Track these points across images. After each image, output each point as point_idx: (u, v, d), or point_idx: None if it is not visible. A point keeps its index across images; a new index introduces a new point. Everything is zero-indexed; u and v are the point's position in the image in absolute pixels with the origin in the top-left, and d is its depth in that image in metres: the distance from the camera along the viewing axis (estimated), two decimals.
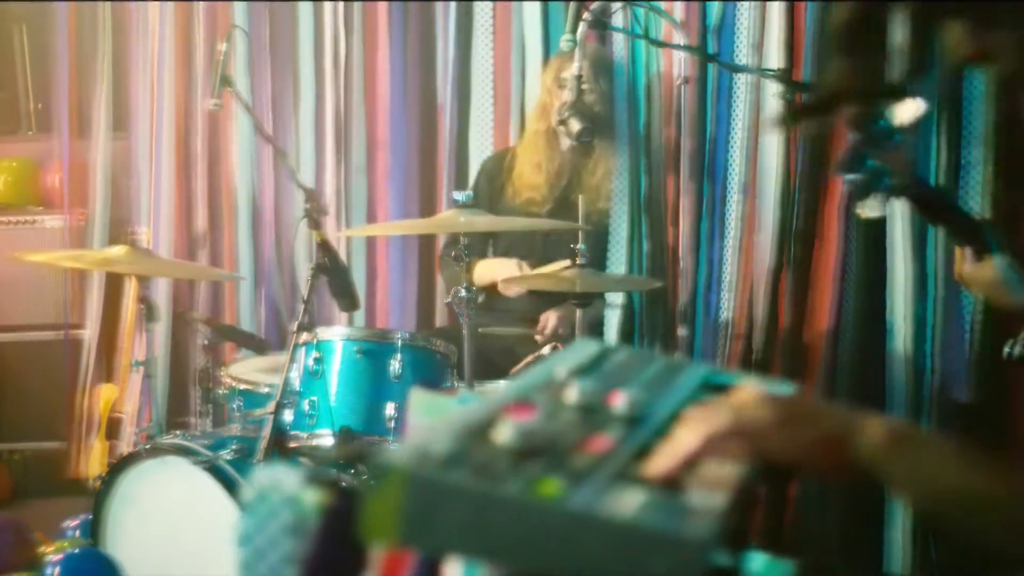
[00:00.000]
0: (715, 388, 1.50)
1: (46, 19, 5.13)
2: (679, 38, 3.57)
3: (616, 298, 4.06)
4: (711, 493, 1.09)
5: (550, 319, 3.85)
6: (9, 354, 5.03)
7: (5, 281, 4.95)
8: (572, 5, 3.19)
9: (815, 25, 3.61)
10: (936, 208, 2.16)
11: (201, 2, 4.68)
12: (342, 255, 4.50)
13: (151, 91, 4.77)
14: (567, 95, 3.47)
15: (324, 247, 3.09)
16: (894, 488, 1.21)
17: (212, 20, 4.67)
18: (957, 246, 2.25)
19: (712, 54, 3.70)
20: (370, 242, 4.51)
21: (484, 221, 3.23)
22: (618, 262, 4.05)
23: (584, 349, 1.53)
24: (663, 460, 1.14)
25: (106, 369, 4.91)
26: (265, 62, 4.62)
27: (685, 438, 1.18)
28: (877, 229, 3.51)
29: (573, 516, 0.99)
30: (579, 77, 3.33)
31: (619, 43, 4.07)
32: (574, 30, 3.20)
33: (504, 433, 1.13)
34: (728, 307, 3.90)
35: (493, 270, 3.96)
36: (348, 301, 3.18)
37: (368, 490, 1.04)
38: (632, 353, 1.58)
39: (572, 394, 1.31)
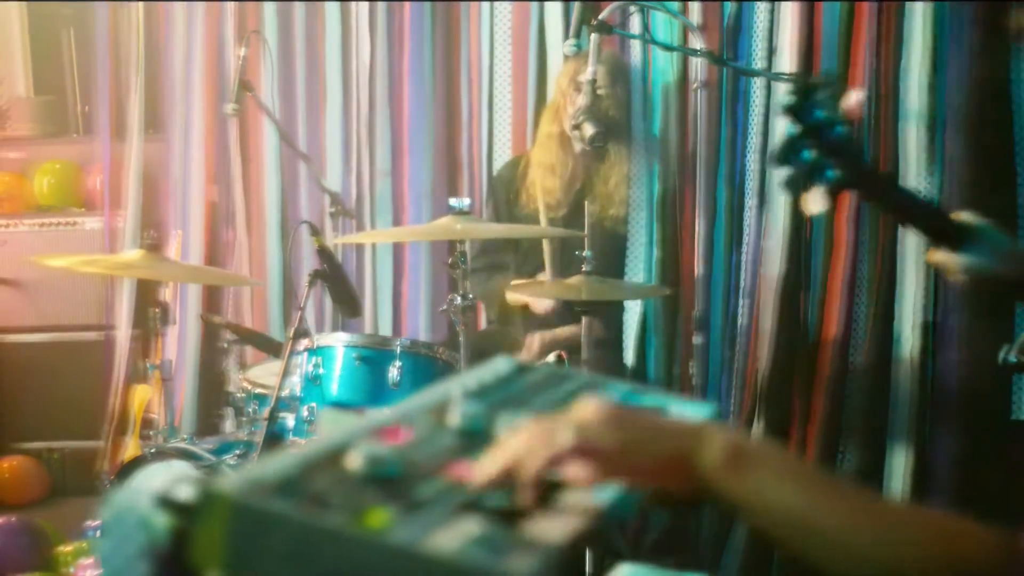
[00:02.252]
0: None
1: (93, 22, 5.19)
2: (696, 41, 3.52)
3: (635, 305, 4.02)
4: (555, 524, 1.06)
5: (533, 343, 3.83)
6: (50, 354, 5.10)
7: (47, 282, 5.02)
8: (576, 9, 3.16)
9: (833, 26, 3.53)
10: (890, 200, 2.10)
11: (230, 2, 4.70)
12: (368, 262, 4.53)
13: (182, 94, 4.81)
14: (581, 99, 3.43)
15: (323, 253, 3.08)
16: (733, 506, 1.11)
17: (242, 23, 4.69)
18: (919, 236, 2.17)
19: (723, 58, 3.63)
20: (397, 248, 4.51)
21: (481, 229, 3.20)
22: (636, 269, 4.01)
23: (497, 368, 1.50)
24: (484, 468, 1.11)
25: (143, 370, 4.95)
26: (294, 65, 4.64)
27: (513, 446, 1.14)
28: (888, 236, 3.42)
29: (393, 550, 0.97)
30: (593, 81, 3.29)
31: (636, 47, 4.02)
32: (577, 34, 3.16)
33: (354, 459, 1.11)
34: (745, 314, 3.84)
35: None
36: (349, 308, 3.18)
37: (196, 517, 1.02)
38: (551, 373, 1.55)
39: (454, 417, 1.28)
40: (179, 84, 4.82)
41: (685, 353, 3.83)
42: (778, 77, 3.53)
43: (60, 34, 5.76)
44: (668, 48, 3.76)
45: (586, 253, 3.25)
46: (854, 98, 1.98)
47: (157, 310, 3.59)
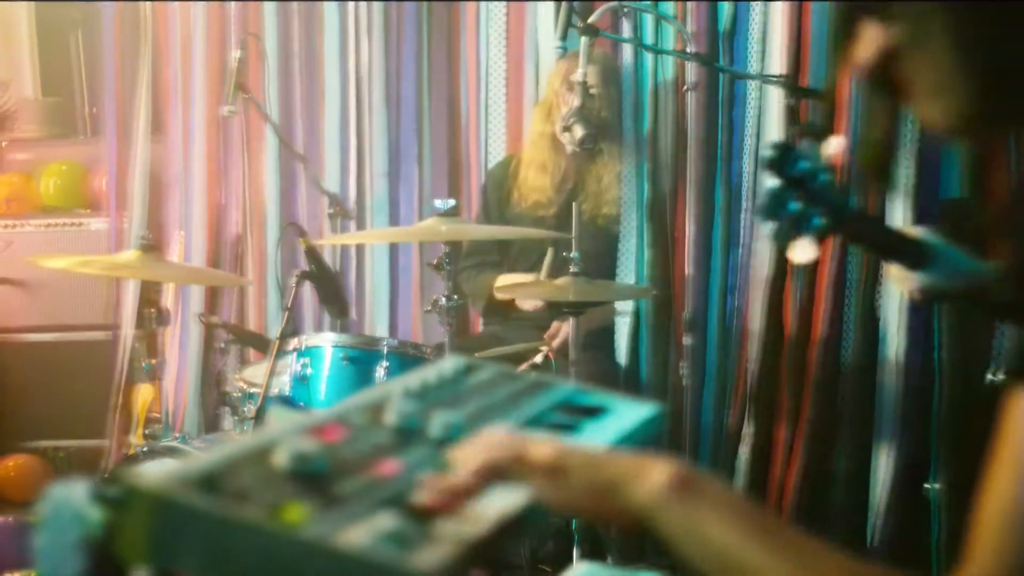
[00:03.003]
0: (576, 410, 1.49)
1: (101, 23, 5.24)
2: (687, 43, 3.54)
3: (626, 306, 4.04)
4: (470, 521, 1.09)
5: (562, 329, 3.84)
6: (55, 353, 5.14)
7: (52, 282, 5.05)
8: (562, 10, 3.18)
9: (822, 27, 3.55)
10: (875, 241, 2.12)
11: (233, 2, 4.73)
12: (368, 263, 4.55)
13: (185, 96, 4.85)
14: (573, 100, 3.45)
15: (311, 254, 3.11)
16: (668, 538, 1.10)
17: (243, 25, 4.72)
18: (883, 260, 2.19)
19: (710, 59, 3.65)
20: (393, 249, 4.53)
21: (465, 230, 3.23)
22: (627, 271, 4.02)
23: (442, 368, 1.53)
24: (429, 492, 1.13)
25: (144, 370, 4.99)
26: (292, 67, 4.68)
27: (462, 467, 1.17)
28: None
29: (303, 544, 1.00)
30: (584, 82, 3.31)
31: (627, 47, 4.03)
32: (564, 36, 3.19)
33: (280, 455, 1.14)
34: (736, 315, 3.86)
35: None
36: (337, 308, 3.21)
37: (119, 511, 1.05)
38: (498, 373, 1.57)
39: (390, 416, 1.31)
40: (182, 85, 4.86)
41: (677, 354, 3.85)
42: (769, 79, 3.55)
43: (68, 36, 5.81)
44: (657, 51, 3.78)
45: (573, 254, 3.28)
46: (835, 145, 2.00)
47: (153, 311, 3.63)
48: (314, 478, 1.12)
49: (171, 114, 4.93)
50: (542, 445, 1.18)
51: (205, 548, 1.02)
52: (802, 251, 1.90)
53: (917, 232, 2.12)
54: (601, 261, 3.93)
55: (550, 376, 1.59)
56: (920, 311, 3.44)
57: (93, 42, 5.47)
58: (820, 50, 3.57)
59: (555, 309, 3.81)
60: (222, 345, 3.86)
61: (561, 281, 3.29)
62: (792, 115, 3.33)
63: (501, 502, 1.15)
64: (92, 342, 5.13)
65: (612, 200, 3.99)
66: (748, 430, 3.78)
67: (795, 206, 1.88)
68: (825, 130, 2.21)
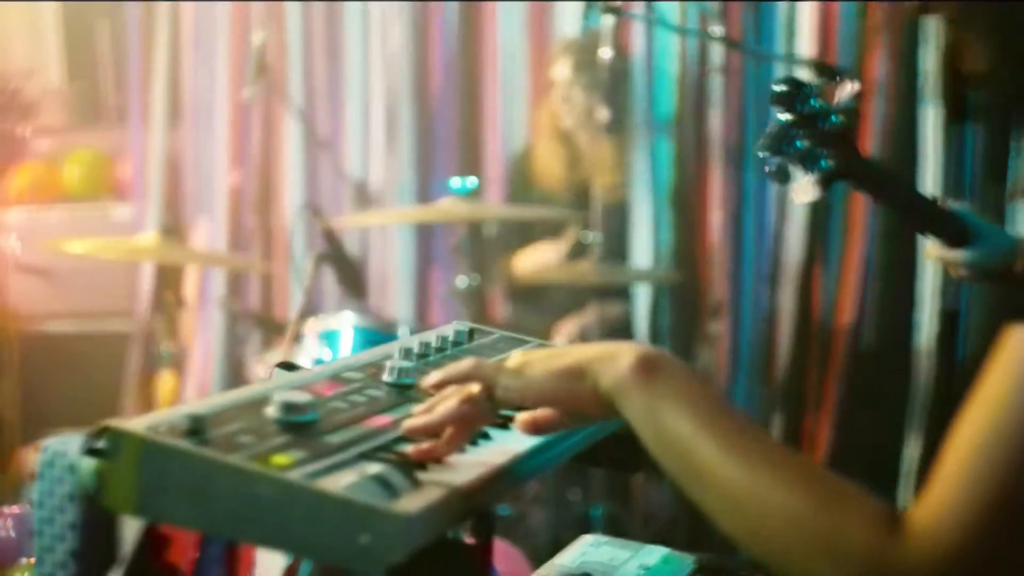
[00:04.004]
0: None
1: (127, 11, 5.25)
2: (713, 25, 3.53)
3: (645, 291, 4.01)
4: (456, 470, 1.08)
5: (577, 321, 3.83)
6: (78, 342, 5.15)
7: (75, 270, 5.06)
8: None
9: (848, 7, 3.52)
10: (890, 193, 2.08)
11: None
12: (390, 246, 4.55)
13: (208, 80, 4.87)
14: (591, 84, 3.44)
15: (328, 235, 3.12)
16: (631, 425, 1.07)
17: (266, 8, 4.71)
18: (920, 234, 2.16)
19: (736, 40, 3.63)
20: (415, 232, 4.52)
21: (483, 210, 3.22)
22: (641, 255, 3.99)
23: (445, 331, 1.52)
24: (412, 420, 1.14)
25: (165, 357, 5.00)
26: (316, 51, 4.67)
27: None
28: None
29: (288, 486, 0.99)
30: (607, 65, 3.31)
31: (651, 29, 4.00)
32: (587, 15, 3.18)
33: (273, 406, 1.14)
34: (764, 300, 3.84)
35: (531, 258, 3.95)
36: (353, 289, 3.21)
37: (110, 458, 1.05)
38: (502, 337, 1.57)
39: (386, 374, 1.31)
40: (204, 71, 4.88)
41: (701, 340, 3.83)
42: (795, 61, 3.52)
43: (94, 23, 5.83)
44: (681, 32, 3.75)
45: (592, 236, 3.27)
46: (848, 88, 1.97)
47: (172, 296, 3.64)
48: (303, 428, 1.11)
49: (193, 100, 4.94)
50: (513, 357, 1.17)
51: (191, 494, 1.01)
52: (803, 191, 1.88)
53: (959, 210, 2.09)
54: (619, 245, 3.90)
55: (556, 342, 1.58)
56: (952, 297, 3.40)
57: (119, 30, 5.48)
58: (848, 30, 3.54)
59: (580, 294, 3.80)
60: (244, 330, 3.87)
61: (582, 265, 3.27)
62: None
63: (489, 453, 1.14)
64: (114, 330, 5.14)
65: (621, 184, 3.96)
66: (778, 419, 3.75)
67: (802, 144, 1.86)
68: (842, 73, 2.18)
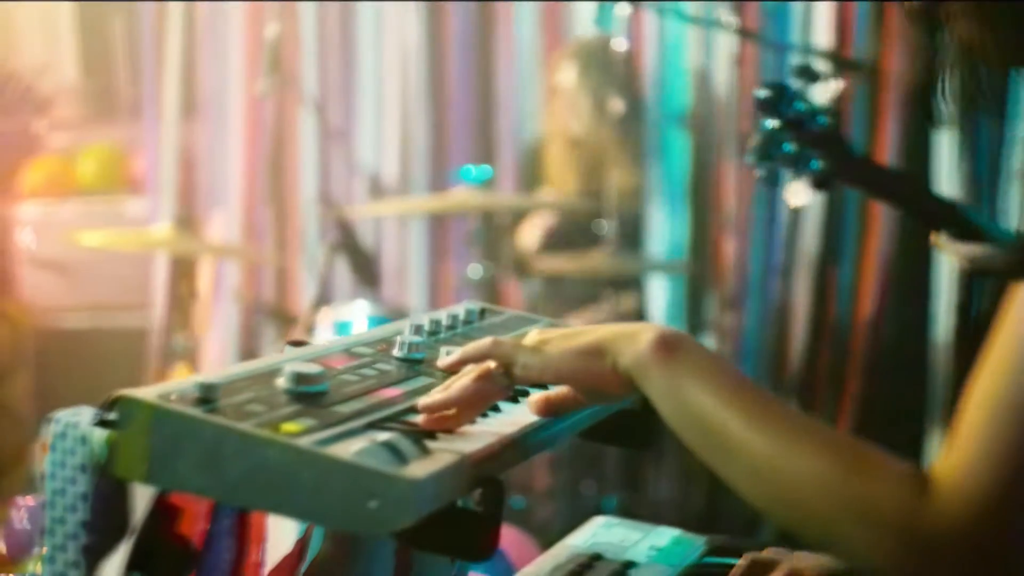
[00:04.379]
0: None
1: (142, 5, 5.27)
2: (728, 15, 3.52)
3: (659, 283, 4.02)
4: (467, 439, 1.09)
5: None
6: (94, 335, 5.17)
7: (89, 264, 5.08)
8: None
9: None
10: (888, 190, 2.08)
11: None
12: (404, 236, 4.55)
13: (222, 73, 4.88)
14: (607, 77, 3.45)
15: (342, 226, 3.12)
16: (654, 403, 1.08)
17: (281, 2, 4.72)
18: (927, 228, 2.15)
19: (752, 31, 3.62)
20: (433, 222, 4.53)
21: (495, 200, 3.22)
22: (656, 247, 4.00)
23: (456, 310, 1.53)
24: (423, 411, 1.14)
25: (181, 348, 5.01)
26: (330, 43, 4.68)
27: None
28: None
29: (298, 452, 0.99)
30: (621, 56, 3.31)
31: (664, 21, 4.00)
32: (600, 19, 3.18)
33: (283, 377, 1.14)
34: (783, 295, 3.83)
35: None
36: (367, 280, 3.22)
37: (119, 426, 1.06)
38: (514, 316, 1.58)
39: (397, 348, 1.31)
40: (219, 64, 4.89)
41: (714, 332, 3.82)
42: (812, 52, 3.52)
43: (109, 17, 5.85)
44: (698, 23, 3.75)
45: (607, 225, 3.27)
46: (833, 87, 1.98)
47: (186, 289, 3.65)
48: (314, 398, 1.12)
49: (207, 94, 4.95)
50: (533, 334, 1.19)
51: (201, 461, 1.02)
52: (796, 195, 1.89)
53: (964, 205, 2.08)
54: (634, 236, 3.90)
55: (568, 321, 1.58)
56: (968, 290, 3.39)
57: (134, 25, 5.50)
58: (864, 22, 3.53)
59: (594, 286, 3.80)
60: (258, 322, 3.89)
61: (597, 257, 3.28)
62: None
63: (499, 424, 1.15)
64: (129, 324, 5.15)
65: (636, 176, 3.97)
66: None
67: (790, 147, 1.86)
68: (824, 74, 2.18)
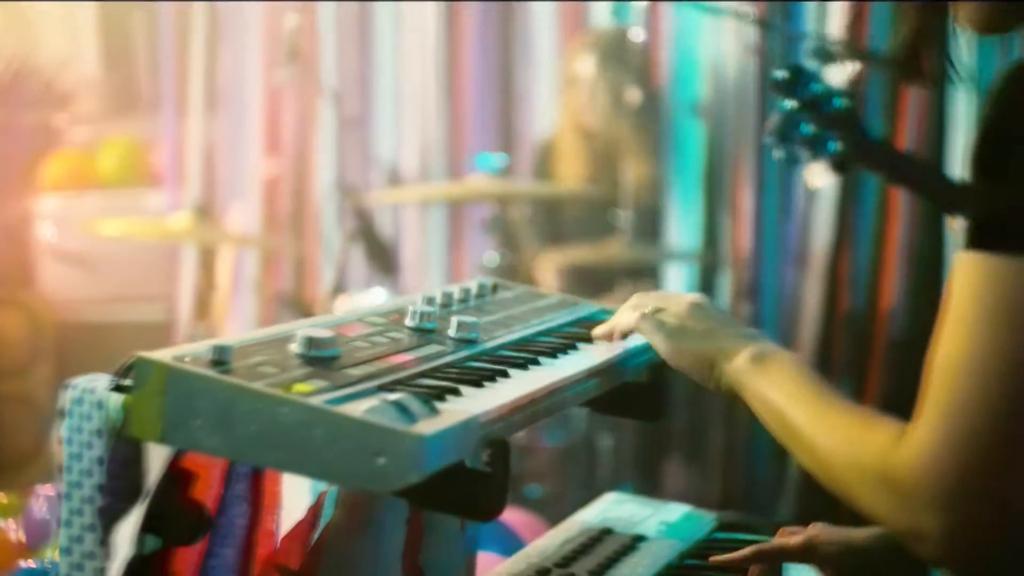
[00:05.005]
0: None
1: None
2: (744, 6, 3.52)
3: (678, 275, 4.02)
4: (473, 401, 1.10)
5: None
6: (114, 327, 5.19)
7: (109, 256, 5.10)
8: None
9: None
10: (906, 174, 2.08)
11: None
12: (422, 225, 4.57)
13: (241, 65, 4.91)
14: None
15: (359, 214, 3.14)
16: (749, 403, 1.29)
17: None
18: (944, 213, 2.16)
19: (767, 21, 3.62)
20: (453, 210, 4.54)
21: (514, 188, 3.23)
22: (675, 237, 4.00)
23: (468, 285, 1.54)
24: (600, 329, 1.42)
25: (198, 339, 5.03)
26: (349, 34, 4.70)
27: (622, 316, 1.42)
28: None
29: (307, 410, 1.01)
30: (639, 48, 3.32)
31: (680, 13, 4.00)
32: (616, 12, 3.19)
33: (296, 342, 1.16)
34: (796, 286, 3.83)
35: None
36: (384, 267, 3.23)
37: (136, 387, 1.08)
38: (525, 291, 1.59)
39: (408, 318, 1.33)
40: (238, 55, 4.92)
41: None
42: (826, 41, 3.51)
43: (129, 12, 5.88)
44: (714, 13, 3.75)
45: (622, 215, 3.28)
46: (849, 70, 1.98)
47: (206, 280, 3.68)
48: (325, 361, 1.13)
49: (226, 85, 4.98)
50: (675, 299, 1.42)
51: (214, 420, 1.03)
52: (816, 176, 1.89)
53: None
54: (650, 227, 3.91)
55: (578, 298, 1.60)
56: None
57: (154, 20, 5.53)
58: (881, 11, 3.52)
59: (611, 274, 3.80)
60: (276, 313, 3.91)
61: (614, 247, 3.29)
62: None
63: (507, 388, 1.16)
64: (148, 315, 5.17)
65: (653, 167, 3.97)
66: None
67: (808, 129, 1.86)
68: (842, 55, 2.18)
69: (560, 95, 4.13)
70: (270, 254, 4.91)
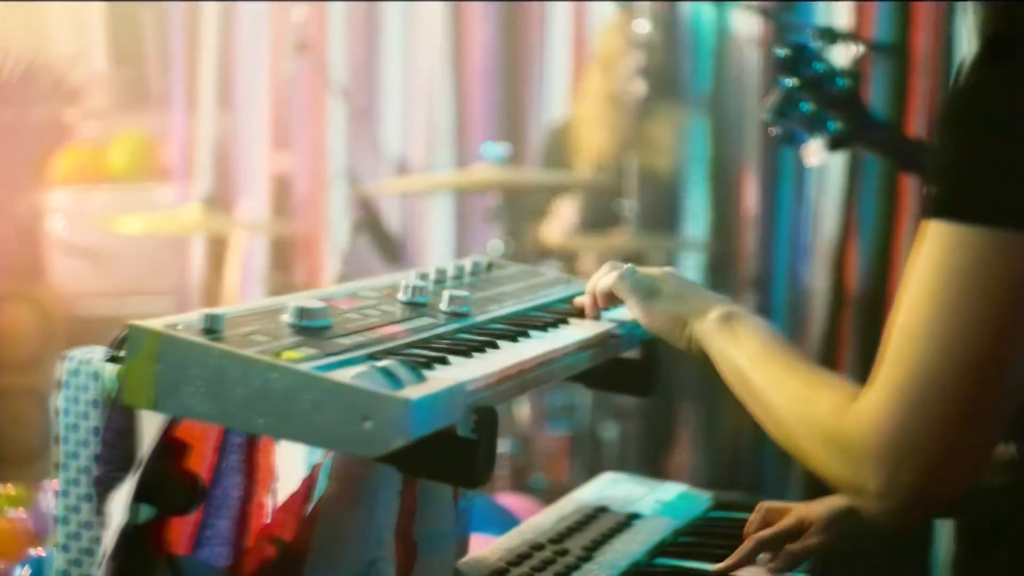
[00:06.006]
0: None
1: None
2: None
3: (689, 265, 4.03)
4: (461, 369, 1.11)
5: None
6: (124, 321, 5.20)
7: (119, 251, 5.12)
8: None
9: None
10: (907, 157, 2.08)
11: None
12: (429, 215, 4.58)
13: (250, 59, 4.92)
14: (634, 54, 3.45)
15: (365, 204, 3.15)
16: (713, 360, 1.32)
17: None
18: None
19: (773, 11, 3.62)
20: (460, 200, 4.54)
21: (518, 176, 3.24)
22: (689, 227, 4.01)
23: (462, 262, 1.56)
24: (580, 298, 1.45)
25: None
26: (357, 27, 4.71)
27: (600, 277, 1.44)
28: None
29: (296, 375, 1.02)
30: (645, 37, 3.32)
31: (687, 3, 4.01)
32: None
33: (288, 312, 1.17)
34: (808, 274, 3.83)
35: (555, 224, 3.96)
36: (390, 257, 3.25)
37: (126, 355, 1.09)
38: (522, 269, 1.60)
39: (401, 292, 1.34)
40: (247, 48, 4.93)
41: None
42: (833, 33, 3.51)
43: (139, 7, 5.90)
44: (719, 2, 3.75)
45: (627, 206, 3.28)
46: (853, 51, 1.99)
47: (215, 274, 3.69)
48: (316, 331, 1.15)
49: (235, 78, 5.00)
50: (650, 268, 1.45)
51: (206, 387, 1.05)
52: (813, 155, 1.90)
53: None
54: (658, 215, 3.91)
55: (574, 276, 1.61)
56: None
57: (163, 15, 5.55)
58: (887, 4, 3.52)
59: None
60: None
61: (619, 235, 3.29)
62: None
63: (496, 359, 1.17)
64: (159, 309, 5.18)
65: (670, 154, 3.98)
66: None
67: (807, 107, 1.86)
68: (845, 35, 2.19)
69: (591, 72, 4.11)
70: (278, 246, 4.92)
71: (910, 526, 1.10)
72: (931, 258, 1.05)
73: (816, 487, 3.45)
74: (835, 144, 1.91)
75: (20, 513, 3.48)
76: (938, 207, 1.05)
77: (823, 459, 1.12)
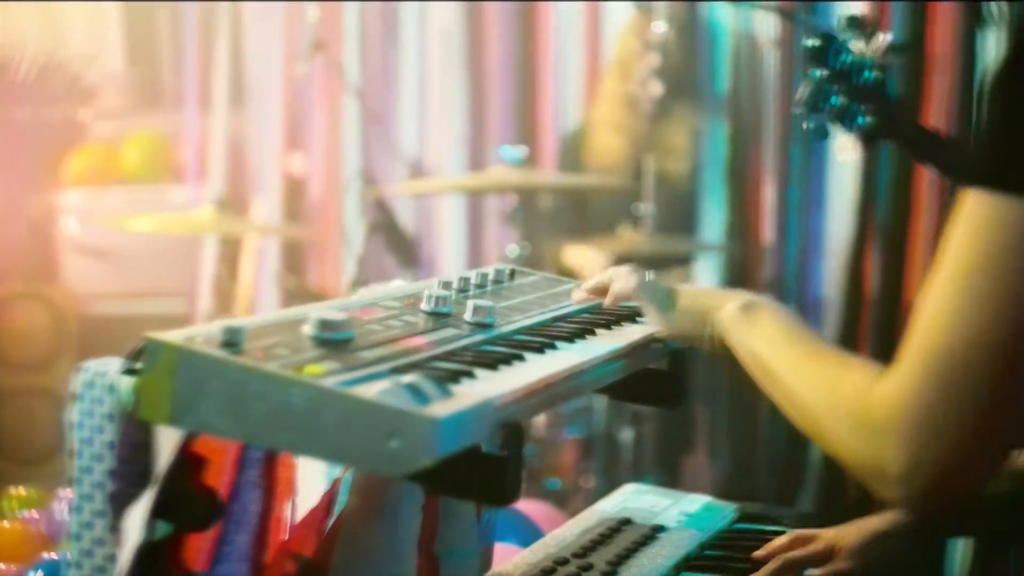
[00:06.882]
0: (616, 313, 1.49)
1: None
2: None
3: (704, 269, 4.00)
4: (488, 384, 1.08)
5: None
6: (137, 323, 5.19)
7: (132, 251, 5.10)
8: None
9: None
10: (936, 155, 2.03)
11: None
12: (443, 217, 4.56)
13: (264, 59, 4.91)
14: (651, 57, 3.42)
15: (379, 206, 3.13)
16: (735, 351, 1.32)
17: None
18: None
19: (789, 11, 3.59)
20: (472, 202, 4.52)
21: (536, 179, 3.21)
22: (705, 230, 3.98)
23: (485, 270, 1.53)
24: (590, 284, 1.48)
25: None
26: (372, 27, 4.69)
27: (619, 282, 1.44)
28: None
29: (320, 391, 0.99)
30: (661, 38, 3.29)
31: (705, 4, 3.98)
32: None
33: (309, 324, 1.14)
34: (825, 276, 3.80)
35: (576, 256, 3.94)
36: (406, 259, 3.22)
37: (146, 368, 1.06)
38: (543, 278, 1.58)
39: (424, 302, 1.31)
40: (261, 48, 4.92)
41: None
42: (859, 21, 3.48)
43: (154, 7, 5.89)
44: (736, 3, 3.72)
45: (643, 208, 3.26)
46: (882, 41, 1.95)
47: (228, 274, 3.68)
48: (338, 344, 1.12)
49: (250, 79, 4.99)
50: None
51: (225, 402, 1.02)
52: (846, 149, 1.86)
53: None
54: (674, 219, 3.89)
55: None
56: None
57: (178, 15, 5.54)
58: (903, 4, 3.49)
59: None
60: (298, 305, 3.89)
61: (633, 236, 3.27)
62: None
63: (522, 373, 1.14)
64: (171, 309, 5.16)
65: (686, 157, 3.95)
66: None
67: (838, 100, 1.83)
68: (873, 26, 2.15)
69: (608, 74, 4.08)
70: (291, 248, 4.91)
71: (930, 514, 1.07)
72: (967, 230, 1.00)
73: (832, 491, 3.45)
74: (866, 138, 1.87)
75: (33, 515, 3.48)
76: (979, 175, 0.99)
77: (846, 441, 1.08)
